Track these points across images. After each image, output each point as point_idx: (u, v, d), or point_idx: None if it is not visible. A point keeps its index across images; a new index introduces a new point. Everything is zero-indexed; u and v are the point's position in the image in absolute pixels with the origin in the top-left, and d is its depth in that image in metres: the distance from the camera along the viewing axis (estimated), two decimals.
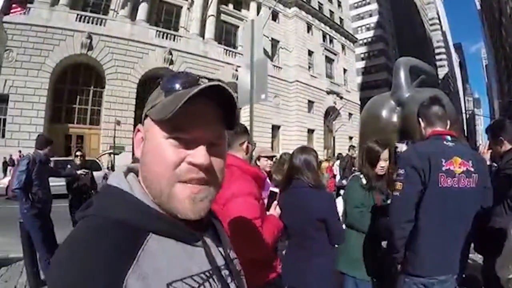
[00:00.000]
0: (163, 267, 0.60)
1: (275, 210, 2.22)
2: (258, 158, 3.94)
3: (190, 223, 0.68)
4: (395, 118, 5.80)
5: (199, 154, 0.65)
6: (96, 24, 22.39)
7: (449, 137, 2.21)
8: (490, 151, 3.29)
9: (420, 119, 2.37)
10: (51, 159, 9.33)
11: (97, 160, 16.16)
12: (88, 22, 21.98)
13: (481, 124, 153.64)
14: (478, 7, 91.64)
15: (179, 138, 0.66)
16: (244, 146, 2.22)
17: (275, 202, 2.25)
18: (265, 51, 32.11)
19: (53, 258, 0.58)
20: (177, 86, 0.67)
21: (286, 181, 2.68)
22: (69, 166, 6.21)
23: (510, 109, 54.18)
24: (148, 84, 24.21)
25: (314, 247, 2.46)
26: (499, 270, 1.73)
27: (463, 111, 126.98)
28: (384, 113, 5.94)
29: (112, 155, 20.21)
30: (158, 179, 0.66)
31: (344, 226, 2.74)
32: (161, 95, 0.67)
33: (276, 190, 2.34)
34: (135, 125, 22.56)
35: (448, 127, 2.32)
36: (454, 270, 2.15)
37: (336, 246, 2.65)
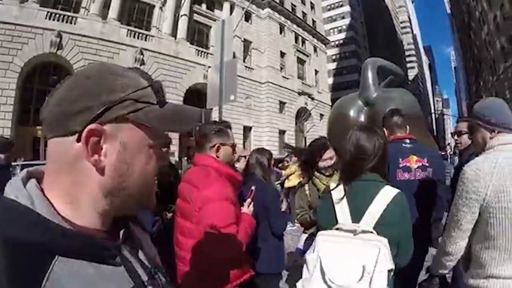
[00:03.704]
0: None
1: (248, 208, 2.25)
2: (238, 158, 3.97)
3: (108, 235, 0.63)
4: (362, 118, 5.83)
5: (166, 156, 0.80)
6: (67, 22, 21.80)
7: (407, 140, 2.86)
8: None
9: (384, 129, 2.96)
10: (20, 163, 9.33)
11: None
12: (58, 20, 21.39)
13: (450, 123, 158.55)
14: (448, 11, 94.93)
15: (159, 143, 0.68)
16: (215, 148, 2.21)
17: (249, 200, 2.29)
18: (237, 52, 32.09)
19: None
20: (164, 95, 0.67)
21: (244, 175, 2.98)
22: None
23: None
24: None
25: (259, 232, 2.62)
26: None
27: (432, 111, 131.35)
28: (351, 112, 5.98)
29: None
30: (143, 189, 0.66)
31: None
32: (150, 99, 0.65)
33: (253, 187, 2.39)
34: None
35: (407, 131, 2.97)
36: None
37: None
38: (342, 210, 1.71)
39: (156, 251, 0.81)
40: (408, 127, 2.99)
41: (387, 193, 1.68)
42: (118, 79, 0.63)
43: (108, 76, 0.64)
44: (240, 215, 2.15)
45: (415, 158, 2.78)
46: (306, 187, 3.01)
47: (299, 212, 3.00)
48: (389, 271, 1.53)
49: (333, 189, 1.83)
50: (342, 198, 1.74)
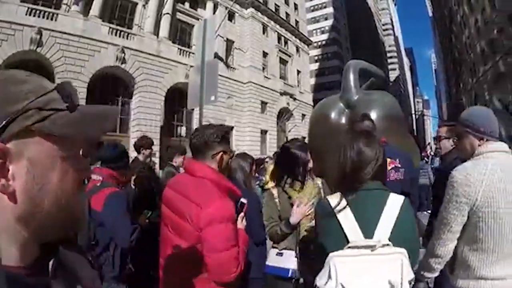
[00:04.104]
0: None
1: (242, 223, 2.08)
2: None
3: (36, 269, 0.57)
4: (343, 120, 5.69)
5: (88, 167, 0.59)
6: (47, 18, 21.36)
7: (382, 143, 2.90)
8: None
9: None
10: None
11: None
12: (39, 17, 20.93)
13: (430, 123, 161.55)
14: (430, 14, 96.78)
15: (71, 154, 0.60)
16: (218, 157, 2.02)
17: (242, 214, 2.10)
18: (220, 52, 32.02)
19: None
20: (76, 100, 0.61)
21: None
22: None
23: (459, 110, 57.86)
24: (99, 84, 23.39)
25: None
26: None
27: (413, 111, 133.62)
28: (333, 115, 5.85)
29: None
30: (63, 209, 0.58)
31: None
32: (57, 104, 0.57)
33: (245, 201, 2.15)
34: None
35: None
36: None
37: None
38: (349, 224, 1.53)
39: (96, 274, 0.75)
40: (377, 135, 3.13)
41: (395, 201, 1.58)
42: (20, 86, 0.56)
43: (8, 84, 0.56)
44: (238, 232, 2.00)
45: (388, 160, 2.82)
46: (275, 193, 2.64)
47: (268, 224, 2.61)
48: (409, 281, 1.49)
49: (329, 201, 1.64)
50: (343, 210, 1.57)
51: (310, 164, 2.60)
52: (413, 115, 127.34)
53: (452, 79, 66.20)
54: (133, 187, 3.76)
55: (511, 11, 32.15)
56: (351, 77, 5.92)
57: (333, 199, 1.62)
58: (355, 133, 1.81)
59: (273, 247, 2.69)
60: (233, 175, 2.89)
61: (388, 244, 1.47)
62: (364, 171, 1.59)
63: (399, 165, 3.02)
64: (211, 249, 1.80)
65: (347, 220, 1.54)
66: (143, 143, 4.57)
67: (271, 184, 8.07)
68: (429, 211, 3.68)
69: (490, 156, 1.81)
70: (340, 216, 1.55)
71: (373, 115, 4.21)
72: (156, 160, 18.27)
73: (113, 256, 2.49)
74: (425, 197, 9.51)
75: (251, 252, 2.54)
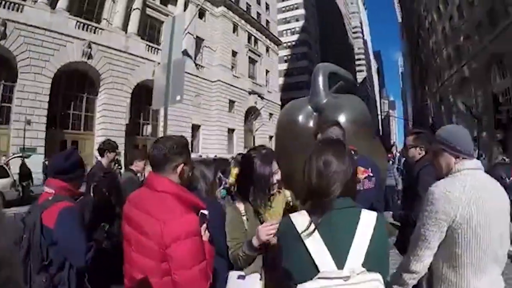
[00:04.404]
0: None
1: (205, 234, 1.96)
2: None
3: None
4: (311, 124, 5.49)
5: None
6: (12, 10, 20.63)
7: (352, 152, 2.54)
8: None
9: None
10: None
11: (4, 165, 13.81)
12: (4, 7, 20.26)
13: (395, 124, 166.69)
14: (399, 20, 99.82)
15: None
16: (179, 169, 1.93)
17: (204, 225, 1.97)
18: (189, 49, 32.13)
19: None
20: None
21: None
22: None
23: (424, 112, 60.13)
24: (64, 79, 22.80)
25: None
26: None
27: (379, 112, 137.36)
28: (301, 118, 5.68)
29: (22, 159, 16.25)
30: None
31: None
32: None
33: (206, 212, 2.00)
34: (48, 126, 21.21)
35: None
36: None
37: None
38: (319, 251, 1.35)
39: None
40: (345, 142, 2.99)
41: (367, 220, 1.41)
42: None
43: None
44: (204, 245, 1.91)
45: (362, 169, 2.84)
46: (242, 209, 2.23)
47: (232, 246, 2.19)
48: None
49: (293, 222, 1.43)
50: (312, 233, 1.36)
51: (278, 176, 2.29)
52: (379, 116, 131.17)
53: (418, 82, 68.56)
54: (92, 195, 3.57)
55: (478, 20, 34.02)
56: (320, 80, 5.77)
57: (299, 220, 1.41)
58: (323, 142, 1.68)
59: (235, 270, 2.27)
60: (195, 184, 2.68)
61: (362, 271, 1.33)
62: (332, 186, 1.39)
63: (371, 174, 3.00)
64: (179, 266, 1.73)
65: (316, 245, 1.35)
66: (107, 146, 4.45)
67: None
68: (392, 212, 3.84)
69: (467, 173, 1.84)
70: (308, 242, 1.36)
71: (342, 119, 4.18)
72: (122, 159, 18.23)
73: (69, 276, 2.28)
74: (391, 197, 10.07)
75: (216, 263, 2.24)
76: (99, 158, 4.53)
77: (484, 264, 1.72)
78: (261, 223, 2.11)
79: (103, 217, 3.04)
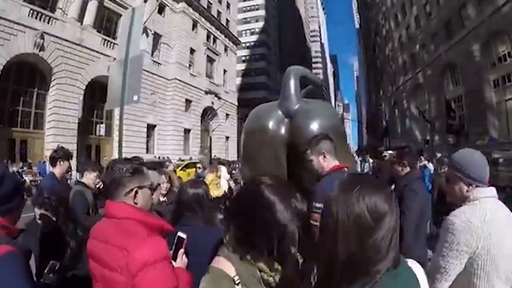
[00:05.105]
0: None
1: (182, 260, 1.83)
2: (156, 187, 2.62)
3: None
4: (283, 130, 5.02)
5: None
6: None
7: (345, 169, 2.68)
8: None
9: (324, 153, 2.67)
10: None
11: None
12: None
13: (350, 127, 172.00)
14: (357, 26, 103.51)
15: None
16: (132, 194, 1.76)
17: (182, 250, 1.83)
18: (146, 45, 31.09)
19: None
20: None
21: (174, 217, 2.35)
22: None
23: (378, 115, 62.46)
24: (12, 73, 21.29)
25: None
26: None
27: None
28: (271, 124, 5.09)
29: None
30: None
31: None
32: None
33: (184, 236, 1.85)
34: None
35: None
36: None
37: None
38: None
39: None
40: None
41: (421, 276, 1.07)
42: None
43: None
44: (176, 271, 1.70)
45: None
46: (232, 273, 1.27)
47: None
48: None
49: None
50: None
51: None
52: None
53: (373, 86, 71.47)
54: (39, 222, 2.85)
55: (435, 30, 36.47)
56: (292, 84, 5.18)
57: None
58: (359, 177, 1.11)
59: None
60: (188, 211, 2.33)
61: None
62: (383, 242, 0.94)
63: None
64: None
65: None
66: (60, 154, 3.99)
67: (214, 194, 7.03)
68: None
69: (486, 202, 1.79)
70: None
71: (315, 126, 4.03)
72: (73, 163, 17.59)
73: None
74: None
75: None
76: (51, 168, 4.05)
77: (498, 287, 1.69)
78: None
79: (51, 252, 2.58)
